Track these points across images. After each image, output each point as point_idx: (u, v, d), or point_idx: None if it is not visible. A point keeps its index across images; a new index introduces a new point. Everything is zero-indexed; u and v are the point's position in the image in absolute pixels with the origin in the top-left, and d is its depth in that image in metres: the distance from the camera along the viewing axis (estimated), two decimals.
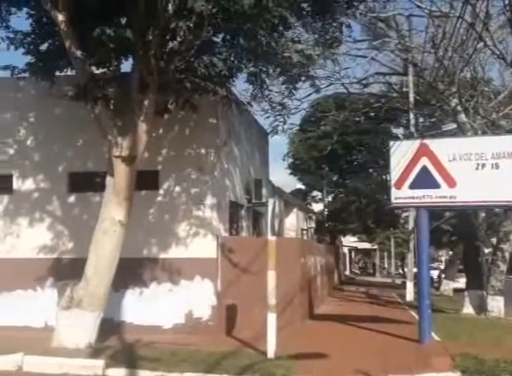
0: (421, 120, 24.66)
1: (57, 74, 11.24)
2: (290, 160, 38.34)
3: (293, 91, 11.79)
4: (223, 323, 12.38)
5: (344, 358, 9.67)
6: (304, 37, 11.29)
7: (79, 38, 9.43)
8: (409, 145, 11.98)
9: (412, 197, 11.65)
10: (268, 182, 18.65)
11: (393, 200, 11.96)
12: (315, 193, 42.13)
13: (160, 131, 12.43)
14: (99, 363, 9.06)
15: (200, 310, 12.51)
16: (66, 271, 12.13)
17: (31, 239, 12.83)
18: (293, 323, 12.27)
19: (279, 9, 9.03)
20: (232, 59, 10.14)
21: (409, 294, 21.86)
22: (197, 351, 10.12)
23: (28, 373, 8.93)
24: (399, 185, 11.76)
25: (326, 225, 38.33)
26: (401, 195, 11.80)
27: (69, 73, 11.28)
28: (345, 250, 50.45)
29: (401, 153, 11.84)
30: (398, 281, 38.54)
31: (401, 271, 55.18)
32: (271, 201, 11.20)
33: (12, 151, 13.09)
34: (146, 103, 9.91)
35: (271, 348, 9.57)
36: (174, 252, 12.65)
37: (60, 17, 9.15)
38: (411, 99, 20.94)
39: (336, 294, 24.88)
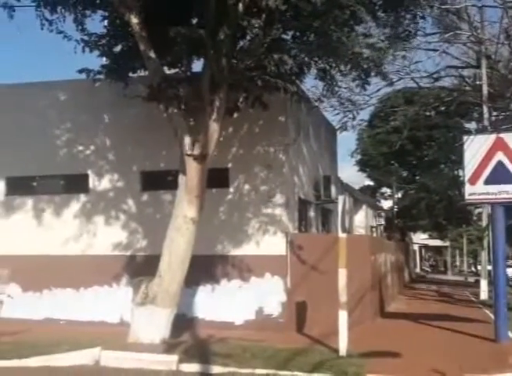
0: (495, 113, 23.86)
1: (130, 75, 11.52)
2: (359, 156, 37.92)
3: (364, 86, 11.62)
4: (293, 320, 12.39)
5: (418, 356, 9.49)
6: (375, 32, 11.15)
7: (152, 40, 9.61)
8: (483, 139, 11.63)
9: (488, 193, 11.30)
10: (336, 178, 18.52)
11: (467, 197, 11.66)
12: (384, 189, 41.56)
13: (230, 129, 12.52)
14: (173, 358, 9.21)
15: (270, 307, 12.57)
16: (140, 268, 12.46)
17: (107, 236, 13.21)
18: (363, 321, 12.16)
19: (349, 3, 8.94)
20: (302, 55, 10.10)
21: (483, 293, 21.24)
22: (268, 347, 10.15)
23: (105, 367, 9.16)
24: (473, 180, 11.44)
25: (396, 222, 37.73)
26: (475, 191, 11.47)
27: (142, 74, 11.57)
28: (415, 247, 49.47)
29: (475, 147, 11.50)
30: (471, 279, 37.51)
31: (473, 269, 53.68)
32: (341, 198, 11.11)
33: (88, 151, 13.50)
34: (216, 102, 10.02)
35: (342, 346, 9.51)
36: (244, 249, 12.75)
37: (134, 20, 9.37)
38: (484, 92, 20.26)
39: (406, 292, 24.43)
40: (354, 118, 12.13)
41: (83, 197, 13.53)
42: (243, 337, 11.13)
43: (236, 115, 11.50)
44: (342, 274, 9.70)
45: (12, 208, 13.70)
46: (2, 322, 12.44)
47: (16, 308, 13.29)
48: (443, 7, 17.63)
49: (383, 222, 37.77)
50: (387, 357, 9.33)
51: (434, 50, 19.99)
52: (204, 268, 12.27)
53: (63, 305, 13.15)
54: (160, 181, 13.22)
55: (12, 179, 13.86)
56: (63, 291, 13.25)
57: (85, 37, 10.78)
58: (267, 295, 12.54)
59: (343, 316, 9.62)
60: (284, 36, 10.46)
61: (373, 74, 11.33)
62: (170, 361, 9.13)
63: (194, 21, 9.99)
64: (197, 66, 10.95)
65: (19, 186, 13.88)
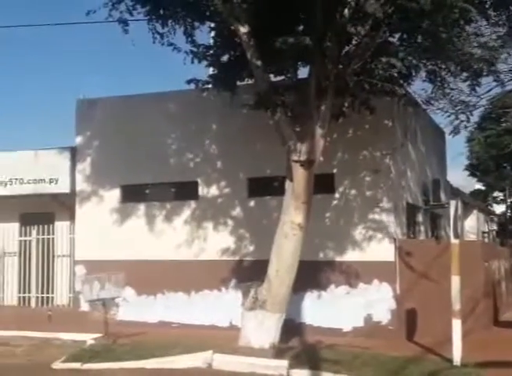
0: None
1: (237, 83, 11.75)
2: (468, 160, 36.59)
3: (475, 87, 11.23)
4: (403, 328, 12.14)
5: None
6: (487, 31, 10.75)
7: (259, 48, 9.76)
8: None
9: None
10: (446, 182, 17.98)
11: None
12: (496, 193, 39.89)
13: (335, 134, 12.46)
14: (283, 363, 9.31)
15: (379, 314, 12.37)
16: (248, 273, 12.62)
17: (216, 242, 13.51)
18: (477, 329, 11.67)
19: (459, 3, 8.68)
20: (409, 58, 9.91)
21: None
22: (379, 355, 10.04)
23: (218, 370, 9.41)
24: None
25: (510, 227, 36.07)
26: None
27: (248, 82, 11.78)
28: None
29: None
30: None
31: None
32: (453, 203, 10.76)
33: (197, 159, 13.88)
34: (323, 107, 10.00)
35: (457, 355, 9.23)
36: (351, 255, 12.64)
37: (242, 29, 9.55)
38: None
39: None
40: (468, 120, 11.65)
41: (193, 204, 13.91)
42: (351, 344, 11.05)
43: (341, 120, 11.49)
44: (455, 281, 9.43)
45: (127, 215, 14.32)
46: (118, 324, 13.00)
47: (130, 310, 13.87)
48: None
49: (495, 228, 36.22)
50: (505, 368, 8.93)
51: None
52: (311, 274, 12.24)
53: (175, 308, 13.57)
54: (267, 187, 13.35)
55: (127, 187, 14.48)
56: (175, 294, 13.67)
57: (194, 49, 11.12)
58: (375, 302, 12.35)
59: (457, 325, 9.34)
60: (391, 39, 10.32)
61: (484, 74, 10.93)
62: (280, 366, 9.24)
63: (300, 28, 10.03)
64: (303, 72, 11.02)
65: (133, 194, 14.48)
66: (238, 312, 11.71)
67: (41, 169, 15.44)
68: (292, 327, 11.66)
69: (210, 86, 11.90)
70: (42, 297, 16.09)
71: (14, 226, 16.60)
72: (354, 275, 12.53)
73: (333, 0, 9.06)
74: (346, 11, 8.72)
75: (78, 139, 14.82)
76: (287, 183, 10.47)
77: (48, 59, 53.71)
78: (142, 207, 14.30)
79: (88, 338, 11.82)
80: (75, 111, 14.89)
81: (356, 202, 12.80)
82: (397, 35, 10.41)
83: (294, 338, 11.58)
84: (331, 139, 12.04)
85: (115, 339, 11.52)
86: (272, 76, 10.76)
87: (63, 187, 15.22)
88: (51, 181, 15.35)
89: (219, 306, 13.22)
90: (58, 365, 9.95)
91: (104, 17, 10.02)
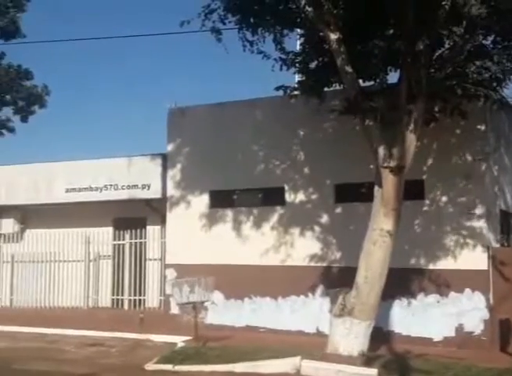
0: None
1: (325, 89, 11.77)
2: None
3: None
4: (496, 339, 11.71)
5: None
6: None
7: (348, 54, 9.74)
8: None
9: None
10: None
11: None
12: None
13: (425, 139, 12.23)
14: (373, 371, 9.22)
15: (471, 324, 11.98)
16: (336, 279, 12.61)
17: (302, 248, 13.53)
18: None
19: None
20: (504, 61, 9.59)
21: None
22: (471, 366, 9.76)
23: None
24: None
25: None
26: None
27: (337, 88, 11.77)
28: None
29: None
30: None
31: None
32: None
33: (284, 166, 13.96)
34: (414, 112, 9.85)
35: None
36: (442, 263, 12.34)
37: (332, 36, 9.56)
38: None
39: None
40: None
41: (279, 210, 14.00)
42: (442, 354, 10.80)
43: (432, 125, 11.28)
44: None
45: (215, 220, 14.59)
46: (206, 327, 13.26)
47: (218, 314, 14.10)
48: None
49: None
50: None
51: None
52: (400, 281, 12.04)
53: (262, 313, 13.69)
54: (354, 193, 13.24)
55: (215, 193, 14.75)
56: (262, 299, 13.78)
57: (283, 56, 11.23)
58: (467, 312, 11.99)
59: None
60: (485, 41, 10.05)
61: None
62: (369, 374, 9.17)
63: (390, 32, 9.94)
64: (392, 77, 10.90)
65: (221, 199, 14.72)
66: (325, 318, 11.73)
67: (134, 175, 16.05)
68: (380, 336, 11.52)
69: (298, 93, 11.99)
70: (134, 299, 16.64)
71: (108, 231, 17.28)
72: (445, 283, 12.23)
73: (426, 2, 8.91)
74: (441, 13, 8.52)
75: (170, 146, 15.24)
76: (376, 189, 10.36)
77: (140, 67, 55.58)
78: (230, 212, 14.53)
79: (179, 341, 12.13)
80: (167, 119, 15.32)
81: (447, 209, 12.50)
82: (490, 38, 10.13)
83: (383, 347, 11.43)
84: (421, 144, 11.83)
85: (205, 342, 11.75)
86: (361, 81, 10.69)
87: (155, 193, 15.74)
88: (143, 187, 15.91)
89: (306, 312, 13.23)
90: (150, 366, 10.25)
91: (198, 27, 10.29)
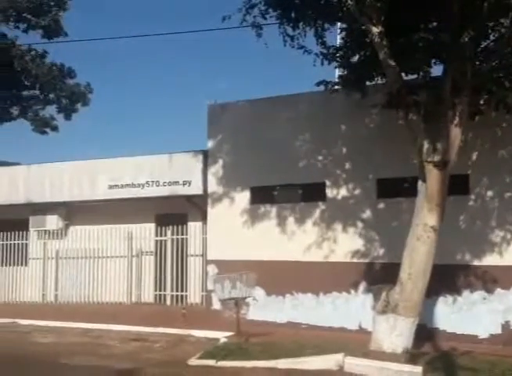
0: None
1: (367, 84, 11.64)
2: None
3: None
4: None
5: None
6: None
7: (391, 47, 9.60)
8: None
9: None
10: None
11: None
12: None
13: (470, 133, 12.00)
14: (417, 369, 9.08)
15: None
16: (378, 275, 12.50)
17: (344, 244, 13.42)
18: None
19: None
20: None
21: None
22: None
23: (350, 374, 9.35)
24: None
25: None
26: None
27: (377, 82, 11.63)
28: None
29: None
30: None
31: None
32: None
33: (325, 161, 13.87)
34: (458, 106, 9.66)
35: None
36: (488, 259, 12.09)
37: (374, 29, 9.43)
38: None
39: None
40: None
41: (321, 205, 13.91)
42: (488, 351, 10.60)
43: (477, 119, 11.05)
44: None
45: (256, 216, 14.57)
46: (248, 323, 13.27)
47: (260, 310, 14.09)
48: None
49: None
50: None
51: None
52: (444, 278, 11.85)
53: (303, 309, 13.64)
54: (397, 188, 13.09)
55: (256, 189, 14.73)
56: (303, 296, 13.72)
57: (324, 50, 11.16)
58: None
59: None
60: None
61: None
62: (413, 372, 9.04)
63: (433, 25, 9.77)
64: (436, 70, 10.71)
65: (262, 195, 14.69)
66: (367, 315, 11.62)
67: (176, 172, 16.20)
68: (424, 333, 11.35)
69: (339, 87, 11.89)
70: (177, 295, 16.81)
71: (150, 227, 17.49)
72: (491, 280, 11.99)
73: None
74: (486, 4, 8.32)
75: (210, 143, 15.29)
76: (420, 184, 10.20)
77: (181, 63, 55.97)
78: (270, 208, 14.49)
79: (221, 336, 12.17)
80: (207, 116, 15.37)
81: (493, 204, 12.24)
82: None
83: (427, 344, 11.26)
84: (466, 138, 11.62)
85: (247, 338, 11.76)
86: (404, 74, 10.53)
87: (196, 189, 15.84)
88: (184, 183, 16.04)
89: (348, 309, 13.14)
90: (193, 361, 10.30)
91: (238, 22, 10.32)
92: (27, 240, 18.97)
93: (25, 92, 24.78)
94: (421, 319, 10.45)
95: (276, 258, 13.82)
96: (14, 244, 18.99)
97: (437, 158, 9.71)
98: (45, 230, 18.75)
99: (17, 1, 22.15)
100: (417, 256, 9.94)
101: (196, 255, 16.53)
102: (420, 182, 10.22)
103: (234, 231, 14.59)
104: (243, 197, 14.77)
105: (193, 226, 16.65)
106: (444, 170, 9.78)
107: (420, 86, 10.19)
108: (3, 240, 19.08)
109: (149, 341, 12.34)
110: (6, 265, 19.06)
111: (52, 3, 22.94)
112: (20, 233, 18.86)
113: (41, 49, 23.91)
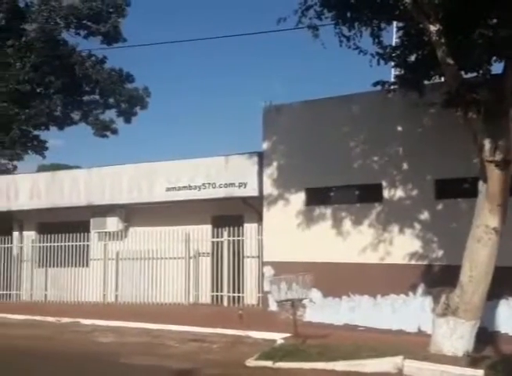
0: None
1: (424, 83, 11.46)
2: None
3: None
4: None
5: None
6: None
7: (449, 45, 9.42)
8: None
9: None
10: None
11: None
12: None
13: None
14: (479, 373, 8.88)
15: None
16: (436, 278, 12.29)
17: (401, 245, 13.24)
18: None
19: None
20: None
21: None
22: None
23: None
24: None
25: None
26: None
27: (435, 81, 11.44)
28: None
29: None
30: None
31: None
32: None
33: (382, 161, 13.72)
34: None
35: None
36: None
37: (432, 27, 9.27)
38: None
39: None
40: None
41: (377, 207, 13.77)
42: None
43: None
44: None
45: (312, 217, 14.53)
46: (304, 325, 13.22)
47: (317, 312, 14.05)
48: None
49: None
50: None
51: None
52: (507, 280, 11.54)
53: (360, 311, 13.52)
54: (456, 189, 12.86)
55: (311, 190, 14.70)
56: (360, 298, 13.60)
57: (380, 50, 11.05)
58: None
59: None
60: None
61: None
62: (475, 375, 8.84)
63: (493, 22, 9.52)
64: (496, 67, 10.46)
65: (318, 197, 14.66)
66: (426, 317, 11.47)
67: (231, 174, 16.33)
68: (485, 336, 11.08)
69: (396, 87, 11.75)
70: (233, 296, 16.93)
71: (207, 228, 17.69)
72: None
73: None
74: None
75: (265, 144, 15.35)
76: (480, 184, 9.99)
77: (236, 67, 56.49)
78: (326, 209, 14.43)
79: (278, 338, 12.17)
80: (262, 117, 15.44)
81: None
82: None
83: (489, 347, 10.98)
84: None
85: (304, 340, 11.74)
86: (463, 73, 10.32)
87: (252, 191, 15.93)
88: (240, 185, 16.15)
89: (407, 311, 12.94)
90: (251, 362, 10.34)
91: (293, 24, 10.34)
92: (88, 241, 19.46)
93: (86, 97, 25.51)
94: (482, 322, 10.22)
95: (333, 260, 13.74)
96: (76, 245, 19.53)
97: (498, 157, 9.46)
98: (106, 232, 19.20)
99: (78, 9, 22.82)
100: (478, 258, 9.73)
101: (253, 257, 16.61)
102: (480, 183, 10.02)
103: (290, 232, 14.59)
104: (298, 199, 14.76)
105: (249, 228, 16.74)
106: (506, 169, 9.53)
107: (480, 84, 9.95)
108: (65, 242, 19.63)
109: (207, 341, 12.47)
110: (68, 266, 19.60)
111: (112, 10, 23.53)
112: (82, 234, 19.37)
113: (100, 55, 24.61)
